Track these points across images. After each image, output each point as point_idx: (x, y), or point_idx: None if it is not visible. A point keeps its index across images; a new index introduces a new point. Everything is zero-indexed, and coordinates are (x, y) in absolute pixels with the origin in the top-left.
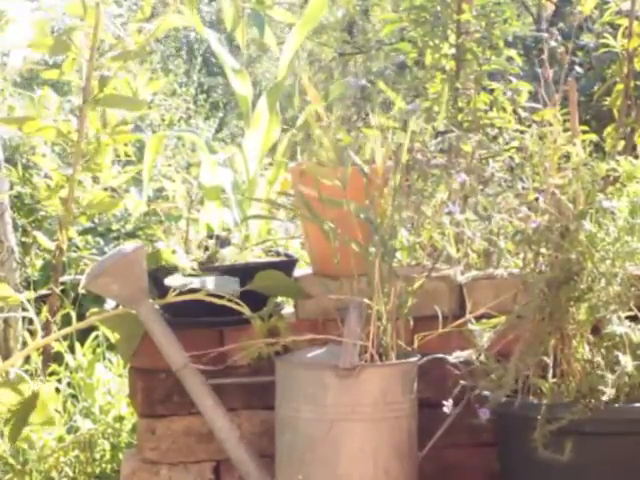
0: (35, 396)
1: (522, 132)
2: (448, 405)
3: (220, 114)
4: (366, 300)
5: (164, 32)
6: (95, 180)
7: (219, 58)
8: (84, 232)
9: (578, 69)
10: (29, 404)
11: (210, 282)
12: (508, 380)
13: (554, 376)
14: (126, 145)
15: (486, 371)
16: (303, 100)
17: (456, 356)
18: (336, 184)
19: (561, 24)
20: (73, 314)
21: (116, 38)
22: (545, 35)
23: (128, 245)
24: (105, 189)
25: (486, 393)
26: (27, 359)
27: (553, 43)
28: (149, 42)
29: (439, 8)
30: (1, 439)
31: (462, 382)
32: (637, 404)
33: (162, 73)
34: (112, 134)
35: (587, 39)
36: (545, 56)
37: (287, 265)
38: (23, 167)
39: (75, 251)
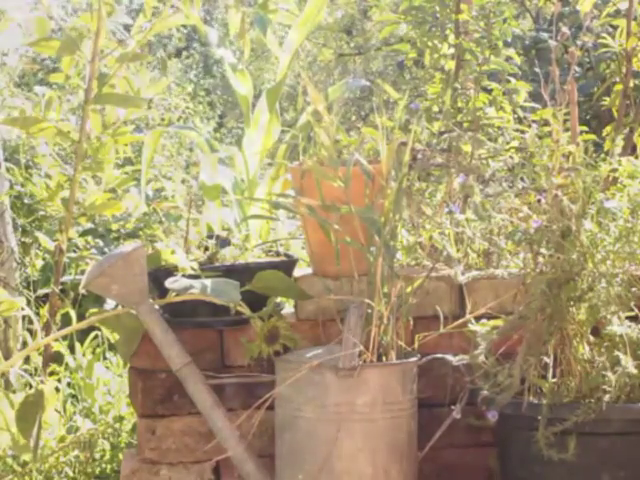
0: (41, 395)
1: (522, 132)
2: (457, 409)
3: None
4: (366, 300)
5: (164, 30)
6: (96, 181)
7: (219, 57)
8: (84, 233)
9: (577, 69)
10: (37, 404)
11: (209, 286)
12: (514, 382)
13: (554, 376)
14: (126, 145)
15: (488, 372)
16: (304, 100)
17: (459, 359)
18: (338, 184)
19: (560, 24)
20: (73, 314)
21: (119, 41)
22: (545, 35)
23: (128, 245)
24: (107, 190)
25: (486, 394)
26: (27, 359)
27: (553, 42)
28: (148, 40)
29: (437, 8)
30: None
31: (468, 385)
32: (637, 404)
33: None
34: (114, 135)
35: (587, 39)
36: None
37: (287, 265)
38: (24, 167)
39: (75, 251)
